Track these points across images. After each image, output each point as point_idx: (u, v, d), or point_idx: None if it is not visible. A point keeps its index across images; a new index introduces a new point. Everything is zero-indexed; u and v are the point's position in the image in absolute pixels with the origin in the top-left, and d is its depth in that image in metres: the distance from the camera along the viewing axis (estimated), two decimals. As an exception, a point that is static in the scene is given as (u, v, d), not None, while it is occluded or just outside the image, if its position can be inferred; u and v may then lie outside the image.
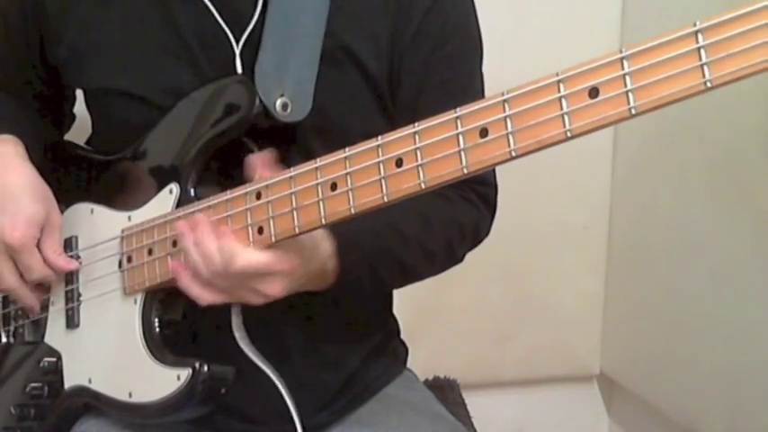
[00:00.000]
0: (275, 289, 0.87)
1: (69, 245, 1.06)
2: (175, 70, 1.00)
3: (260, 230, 0.86)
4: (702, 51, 0.62)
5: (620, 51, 0.66)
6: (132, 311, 0.98)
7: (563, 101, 0.68)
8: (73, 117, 1.23)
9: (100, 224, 1.04)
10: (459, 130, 0.74)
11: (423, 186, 0.76)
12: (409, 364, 1.23)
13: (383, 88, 1.01)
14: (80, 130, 1.17)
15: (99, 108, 1.08)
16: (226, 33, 0.97)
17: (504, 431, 1.98)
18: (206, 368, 0.92)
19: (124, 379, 0.98)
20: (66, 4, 1.02)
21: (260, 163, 0.90)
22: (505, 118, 0.71)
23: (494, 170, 1.09)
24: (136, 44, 1.01)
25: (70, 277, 1.05)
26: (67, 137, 1.20)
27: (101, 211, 1.05)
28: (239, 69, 0.97)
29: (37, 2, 1.03)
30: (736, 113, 1.43)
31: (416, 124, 0.77)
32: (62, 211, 1.07)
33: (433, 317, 1.81)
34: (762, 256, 1.43)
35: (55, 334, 1.07)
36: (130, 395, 0.97)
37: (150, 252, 0.96)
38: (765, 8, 0.60)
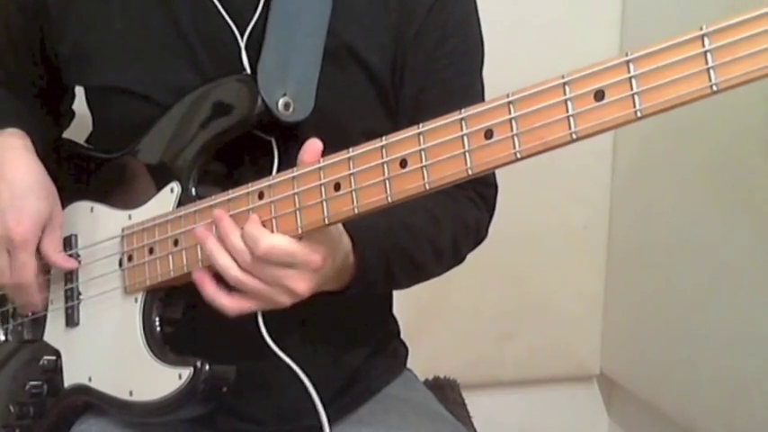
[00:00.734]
0: (303, 285, 0.85)
1: (69, 243, 1.06)
2: (177, 68, 0.99)
3: (262, 231, 0.86)
4: (709, 55, 0.63)
5: (626, 54, 0.66)
6: (133, 310, 0.98)
7: (568, 103, 0.68)
8: (72, 114, 1.22)
9: (100, 223, 1.04)
10: (464, 131, 0.74)
11: (427, 187, 0.76)
12: (409, 365, 1.23)
13: (386, 86, 1.01)
14: (80, 128, 1.17)
15: (100, 106, 1.08)
16: (229, 31, 0.97)
17: (504, 431, 1.98)
18: (207, 367, 0.92)
19: (125, 378, 0.98)
20: (68, 3, 1.02)
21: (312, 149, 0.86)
22: (511, 120, 0.71)
23: (494, 171, 1.09)
24: (137, 42, 1.01)
25: (70, 276, 1.05)
26: (67, 135, 1.19)
27: (101, 210, 1.05)
28: (246, 65, 0.96)
29: (38, 1, 1.03)
30: (736, 113, 1.43)
31: (421, 125, 0.77)
32: (62, 209, 1.07)
33: (433, 317, 1.81)
34: (762, 256, 1.43)
35: (54, 332, 1.07)
36: (131, 394, 0.97)
37: (151, 251, 0.96)
38: (772, 12, 0.60)
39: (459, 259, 1.08)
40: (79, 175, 1.09)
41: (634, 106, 0.66)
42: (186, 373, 0.92)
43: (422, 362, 1.27)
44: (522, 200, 1.66)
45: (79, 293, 1.04)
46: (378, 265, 0.95)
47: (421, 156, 0.76)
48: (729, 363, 1.52)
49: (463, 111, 0.74)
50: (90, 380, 1.02)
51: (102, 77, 1.03)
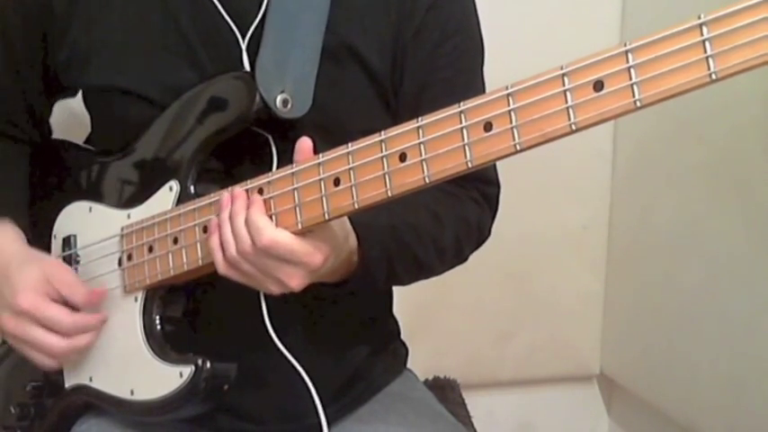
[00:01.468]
0: (296, 281, 0.85)
1: (68, 243, 1.06)
2: (177, 68, 0.99)
3: (263, 227, 0.85)
4: (707, 44, 0.63)
5: (625, 44, 0.66)
6: (133, 309, 0.98)
7: (567, 94, 0.68)
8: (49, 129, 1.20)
9: (98, 222, 1.04)
10: (464, 123, 0.74)
11: (427, 181, 0.76)
12: (409, 365, 1.22)
13: (386, 85, 1.01)
14: (80, 128, 1.17)
15: (99, 107, 1.07)
16: (230, 31, 0.97)
17: (504, 431, 1.98)
18: (208, 365, 0.92)
19: (125, 377, 0.98)
20: (72, 4, 1.01)
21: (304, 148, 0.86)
22: (510, 111, 0.71)
23: (496, 169, 1.09)
24: (137, 42, 1.00)
25: (69, 276, 1.05)
26: (66, 135, 1.19)
27: (99, 210, 1.04)
28: (246, 66, 0.96)
29: (43, 4, 1.02)
30: (736, 113, 1.43)
31: (420, 119, 0.77)
32: (60, 210, 1.07)
33: (433, 317, 1.81)
34: (762, 255, 1.43)
35: (55, 333, 1.07)
36: (132, 393, 0.97)
37: (151, 249, 0.96)
38: (769, 0, 0.60)
39: (461, 258, 1.07)
40: (77, 175, 1.08)
41: (633, 96, 0.66)
42: (187, 371, 0.92)
43: (422, 362, 1.27)
44: (522, 199, 1.66)
45: (79, 293, 1.04)
46: (380, 264, 0.95)
47: (420, 149, 0.76)
48: (729, 362, 1.52)
49: (462, 103, 0.74)
50: (90, 380, 1.02)
51: (101, 78, 1.02)
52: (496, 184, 1.10)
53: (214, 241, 0.86)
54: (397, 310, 1.20)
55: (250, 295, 0.92)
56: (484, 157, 0.73)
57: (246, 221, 0.84)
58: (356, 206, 0.80)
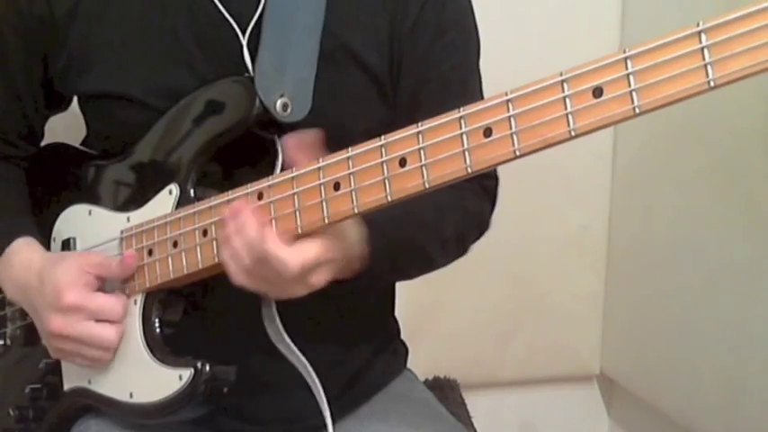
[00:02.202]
0: (316, 279, 0.86)
1: (67, 246, 1.05)
2: (176, 73, 0.99)
3: (262, 231, 0.85)
4: (706, 51, 0.63)
5: (624, 51, 0.66)
6: (132, 313, 0.98)
7: (567, 100, 0.69)
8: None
9: (98, 225, 1.03)
10: (463, 129, 0.74)
11: (426, 186, 0.76)
12: (409, 365, 1.23)
13: (386, 85, 1.01)
14: (78, 129, 1.16)
15: (96, 112, 1.06)
16: (230, 32, 0.97)
17: (504, 431, 1.98)
18: (208, 368, 0.92)
19: (125, 380, 0.98)
20: (72, 10, 1.00)
21: (293, 145, 0.88)
22: (509, 117, 0.71)
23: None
24: (135, 48, 1.00)
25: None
26: (65, 137, 1.19)
27: (99, 213, 1.04)
28: (249, 65, 0.96)
29: (44, 18, 1.01)
30: (737, 114, 1.43)
31: (420, 124, 0.77)
32: (59, 213, 1.07)
33: (433, 317, 1.81)
34: (762, 256, 1.43)
35: (54, 335, 1.07)
36: (131, 396, 0.97)
37: (150, 253, 0.96)
38: (768, 8, 0.60)
39: (463, 250, 1.07)
40: (76, 178, 1.08)
41: (632, 103, 0.66)
42: (187, 374, 0.92)
43: (422, 362, 1.27)
44: (522, 200, 1.66)
45: (79, 295, 1.04)
46: (385, 255, 0.94)
47: (420, 154, 0.76)
48: (729, 363, 1.52)
49: (462, 109, 0.74)
50: (90, 382, 1.02)
51: (99, 84, 1.01)
52: (495, 178, 1.11)
53: (226, 254, 0.86)
54: (398, 310, 1.20)
55: (250, 297, 0.92)
56: (483, 162, 0.73)
57: (245, 239, 0.84)
58: (356, 211, 0.80)
